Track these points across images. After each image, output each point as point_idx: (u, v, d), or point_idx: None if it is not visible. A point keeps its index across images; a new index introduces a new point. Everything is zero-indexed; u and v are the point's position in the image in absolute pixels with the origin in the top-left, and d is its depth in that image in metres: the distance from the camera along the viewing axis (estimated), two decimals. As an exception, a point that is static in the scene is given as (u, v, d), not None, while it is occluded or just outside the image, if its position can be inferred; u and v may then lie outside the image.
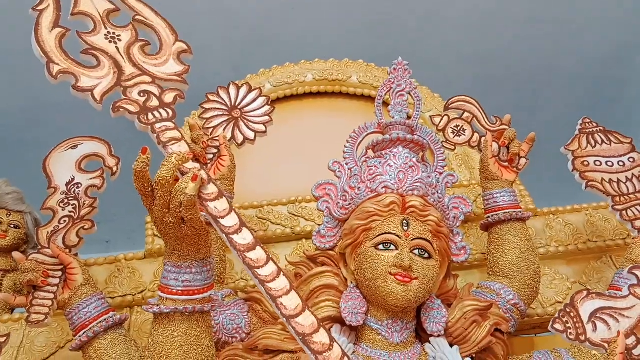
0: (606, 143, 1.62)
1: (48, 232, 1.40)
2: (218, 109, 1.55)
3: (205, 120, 1.54)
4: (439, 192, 1.37)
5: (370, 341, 1.25)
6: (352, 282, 1.30)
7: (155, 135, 1.03)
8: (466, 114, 1.65)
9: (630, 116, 3.73)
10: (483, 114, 1.64)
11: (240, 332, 1.33)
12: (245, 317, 1.35)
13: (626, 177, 1.58)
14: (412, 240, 1.24)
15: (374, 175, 1.33)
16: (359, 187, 1.34)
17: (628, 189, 1.57)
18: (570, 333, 1.02)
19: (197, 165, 1.01)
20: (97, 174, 1.50)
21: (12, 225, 2.08)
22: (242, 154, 2.09)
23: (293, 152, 2.12)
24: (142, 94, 1.07)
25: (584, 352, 1.26)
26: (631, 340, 1.00)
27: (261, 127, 1.54)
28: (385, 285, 1.21)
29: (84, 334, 1.26)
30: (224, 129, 1.52)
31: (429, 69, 3.11)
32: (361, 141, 1.47)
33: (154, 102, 1.07)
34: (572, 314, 1.03)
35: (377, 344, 1.25)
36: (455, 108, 1.65)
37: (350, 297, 1.27)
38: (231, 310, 1.35)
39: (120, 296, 1.69)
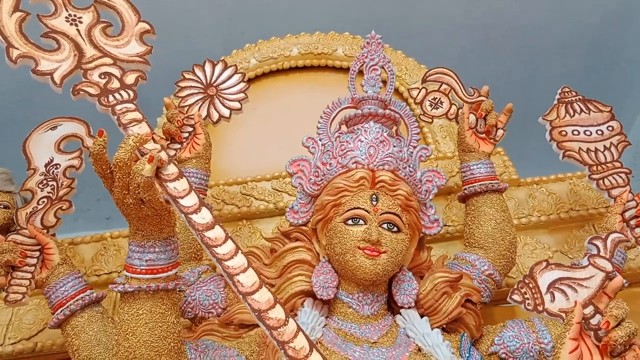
0: (585, 112, 1.61)
1: (27, 213, 1.43)
2: (194, 87, 1.55)
3: (181, 99, 1.54)
4: (411, 166, 1.37)
5: (341, 314, 1.28)
6: (324, 257, 1.31)
7: (116, 117, 1.04)
8: (444, 86, 1.64)
9: (632, 78, 3.68)
10: (461, 85, 1.63)
11: (217, 307, 1.35)
12: (222, 292, 1.38)
13: (604, 145, 1.57)
14: (380, 214, 1.25)
15: (345, 151, 1.34)
16: (331, 163, 1.35)
17: (605, 158, 1.56)
18: (528, 304, 1.03)
19: (158, 146, 1.02)
20: (75, 155, 1.52)
21: (1, 206, 2.11)
22: (228, 131, 2.11)
23: (279, 127, 2.13)
24: (102, 76, 1.07)
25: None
26: (589, 309, 1.01)
27: (236, 105, 1.54)
28: (354, 259, 1.22)
29: (61, 312, 1.29)
30: (200, 107, 1.53)
31: (419, 39, 3.11)
32: (335, 116, 1.47)
33: (115, 84, 1.07)
34: (530, 285, 1.04)
35: (348, 317, 1.27)
36: (432, 80, 1.65)
37: (322, 271, 1.29)
38: (207, 286, 1.37)
39: (106, 273, 1.73)
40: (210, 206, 1.02)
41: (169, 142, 1.50)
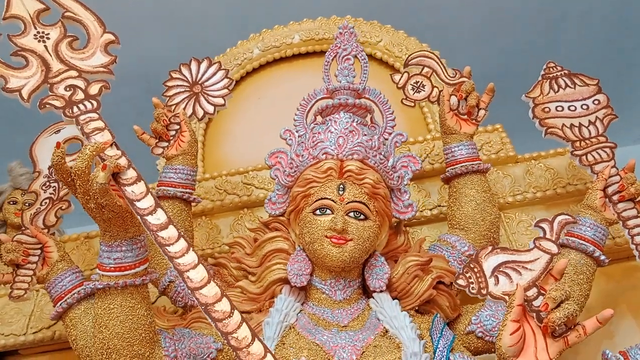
0: (570, 87, 1.59)
1: (31, 214, 1.54)
2: (180, 85, 1.62)
3: (168, 98, 1.61)
4: (382, 153, 1.40)
5: (315, 299, 1.33)
6: (298, 246, 1.37)
7: (80, 127, 1.12)
8: (426, 69, 1.65)
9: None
10: (442, 68, 1.64)
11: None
12: (210, 281, 1.45)
13: (589, 120, 1.55)
14: (347, 203, 1.29)
15: (315, 142, 1.38)
16: (303, 155, 1.39)
17: (590, 133, 1.54)
18: (472, 287, 1.05)
19: (119, 152, 1.10)
20: (75, 156, 1.62)
21: (26, 204, 2.25)
22: (234, 121, 2.18)
23: (282, 115, 2.15)
24: (68, 89, 1.15)
25: None
26: (532, 292, 1.02)
27: (220, 101, 1.60)
28: (321, 248, 1.27)
29: (59, 305, 1.40)
30: (186, 105, 1.60)
31: (432, 13, 3.07)
32: (311, 107, 1.51)
33: (80, 95, 1.15)
34: (475, 269, 1.06)
35: (322, 302, 1.33)
36: (414, 64, 1.66)
37: (296, 260, 1.34)
38: (196, 276, 1.45)
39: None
40: (165, 210, 1.08)
41: (157, 140, 1.58)
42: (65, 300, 1.41)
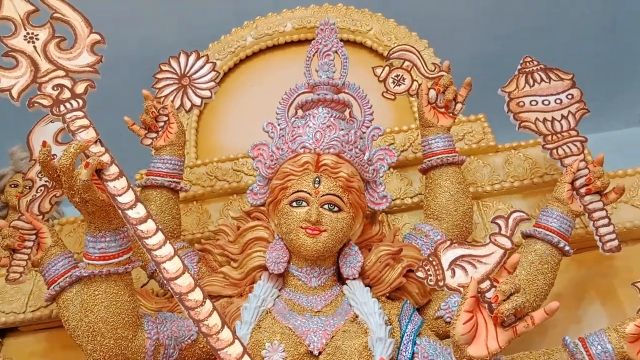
0: (545, 81, 1.63)
1: (27, 201, 1.62)
2: (169, 78, 1.68)
3: (157, 90, 1.68)
4: (358, 147, 1.46)
5: (292, 286, 1.41)
6: (277, 235, 1.44)
7: (66, 124, 1.19)
8: (407, 63, 1.70)
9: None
10: (422, 62, 1.69)
11: (189, 275, 1.51)
12: (195, 267, 1.53)
13: (561, 114, 1.60)
14: (321, 196, 1.36)
15: (294, 137, 1.45)
16: (282, 148, 1.46)
17: (562, 127, 1.59)
18: (430, 279, 1.13)
19: (102, 149, 1.17)
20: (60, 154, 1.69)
21: (27, 187, 2.34)
22: (227, 108, 2.24)
23: (274, 102, 2.23)
24: (55, 88, 1.22)
25: None
26: (485, 284, 1.09)
27: (207, 93, 1.66)
28: (297, 238, 1.35)
29: (52, 288, 1.49)
30: (175, 97, 1.66)
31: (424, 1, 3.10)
32: (292, 101, 1.58)
33: (66, 94, 1.22)
34: (434, 262, 1.14)
35: (298, 288, 1.40)
36: (396, 58, 1.71)
37: (275, 248, 1.42)
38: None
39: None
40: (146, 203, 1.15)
41: (147, 131, 1.65)
42: (58, 283, 1.50)
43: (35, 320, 1.83)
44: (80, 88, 1.23)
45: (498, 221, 1.14)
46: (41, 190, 1.63)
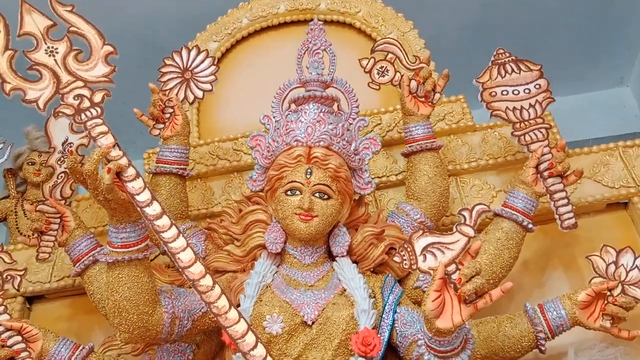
0: (516, 72, 1.78)
1: (50, 187, 1.80)
2: (173, 72, 1.84)
3: (163, 83, 1.84)
4: (345, 139, 1.63)
5: (288, 263, 1.61)
6: (274, 218, 1.63)
7: (87, 131, 1.36)
8: (390, 55, 1.86)
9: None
10: (404, 54, 1.84)
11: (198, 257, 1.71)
12: (202, 244, 1.73)
13: (529, 103, 1.76)
14: (313, 186, 1.55)
15: (288, 131, 1.62)
16: (278, 141, 1.63)
17: (529, 115, 1.75)
18: (405, 263, 1.32)
19: (120, 152, 1.34)
20: (85, 134, 1.85)
21: (44, 165, 2.52)
22: (225, 88, 2.40)
23: (269, 82, 2.34)
24: (76, 98, 1.38)
25: None
26: (452, 267, 1.28)
27: (208, 87, 1.83)
28: (292, 223, 1.54)
29: (78, 266, 1.70)
30: (178, 90, 1.83)
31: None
32: (286, 96, 1.74)
33: (86, 103, 1.38)
34: (408, 249, 1.33)
35: (294, 265, 1.61)
36: (380, 50, 1.86)
37: (272, 230, 1.61)
38: (190, 240, 1.72)
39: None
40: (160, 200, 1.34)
41: (154, 123, 1.82)
42: (83, 262, 1.70)
43: (59, 289, 2.04)
44: (97, 97, 1.39)
45: (463, 213, 1.32)
46: (62, 176, 1.80)
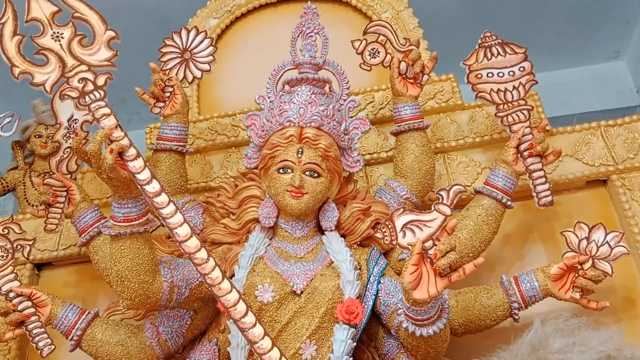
0: (501, 55, 1.86)
1: (56, 161, 1.91)
2: (172, 52, 1.92)
3: (163, 63, 1.92)
4: (336, 119, 1.72)
5: (280, 236, 1.72)
6: (268, 194, 1.74)
7: (91, 112, 1.46)
8: (381, 37, 1.93)
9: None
10: (395, 36, 1.91)
11: (196, 229, 1.82)
12: (200, 217, 1.84)
13: (513, 85, 1.84)
14: (304, 164, 1.64)
15: (281, 111, 1.71)
16: (272, 121, 1.73)
17: (512, 97, 1.83)
18: (386, 239, 1.42)
19: (122, 133, 1.43)
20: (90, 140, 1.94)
21: (50, 137, 2.63)
22: (224, 65, 2.48)
23: (267, 59, 2.41)
24: (80, 81, 1.47)
25: None
26: (429, 243, 1.39)
27: (206, 67, 1.91)
28: (283, 199, 1.64)
29: (83, 237, 1.81)
30: (178, 70, 1.91)
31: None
32: (280, 77, 1.82)
33: (90, 86, 1.47)
34: (389, 226, 1.43)
35: (285, 238, 1.71)
36: (372, 32, 1.93)
37: (265, 206, 1.72)
38: (189, 213, 1.84)
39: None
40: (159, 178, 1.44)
41: (155, 101, 1.91)
42: (88, 233, 1.81)
43: (66, 256, 2.16)
44: (100, 80, 1.48)
45: (441, 193, 1.42)
46: (67, 152, 1.90)
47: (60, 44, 1.50)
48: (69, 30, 1.52)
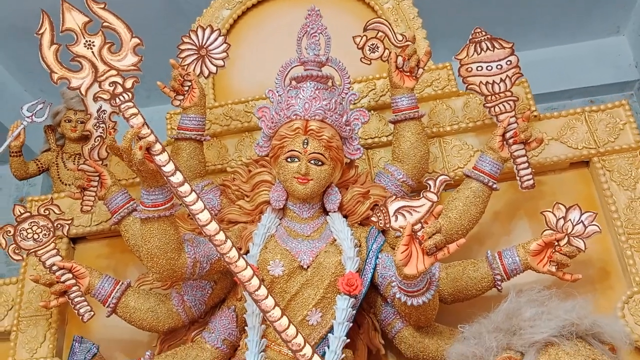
0: (490, 50, 2.02)
1: (88, 149, 2.12)
2: (190, 49, 2.11)
3: (181, 59, 2.12)
4: (338, 112, 1.91)
5: (289, 217, 1.94)
6: (277, 180, 1.94)
7: (121, 113, 1.66)
8: (380, 34, 2.10)
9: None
10: (393, 33, 2.08)
11: (214, 210, 2.03)
12: (218, 199, 2.06)
13: (500, 78, 2.01)
14: (309, 154, 1.84)
15: (289, 105, 1.90)
16: (280, 114, 1.92)
17: (500, 88, 2.00)
18: (380, 222, 1.63)
19: (148, 130, 1.64)
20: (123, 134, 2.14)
21: (79, 122, 2.85)
22: (239, 53, 2.65)
23: (281, 46, 2.55)
24: (111, 85, 1.66)
25: None
26: (418, 226, 1.59)
27: (220, 63, 2.11)
28: (291, 185, 1.85)
29: (115, 217, 2.04)
30: (195, 66, 2.11)
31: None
32: (287, 73, 2.01)
33: (119, 89, 1.67)
34: (383, 211, 1.63)
35: (294, 219, 1.93)
36: (371, 29, 2.10)
37: (276, 190, 1.93)
38: (207, 195, 2.05)
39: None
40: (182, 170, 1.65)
41: (175, 94, 2.11)
42: (119, 213, 2.04)
43: (98, 231, 2.39)
44: (128, 83, 1.68)
45: (429, 182, 1.62)
46: (98, 140, 2.12)
47: (92, 51, 1.69)
48: (99, 38, 1.71)
